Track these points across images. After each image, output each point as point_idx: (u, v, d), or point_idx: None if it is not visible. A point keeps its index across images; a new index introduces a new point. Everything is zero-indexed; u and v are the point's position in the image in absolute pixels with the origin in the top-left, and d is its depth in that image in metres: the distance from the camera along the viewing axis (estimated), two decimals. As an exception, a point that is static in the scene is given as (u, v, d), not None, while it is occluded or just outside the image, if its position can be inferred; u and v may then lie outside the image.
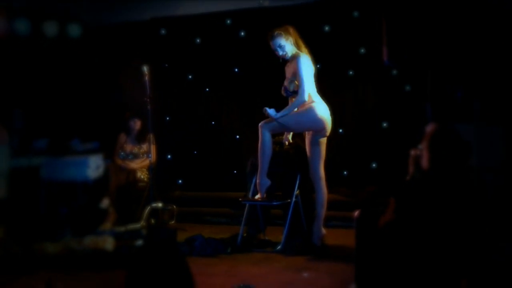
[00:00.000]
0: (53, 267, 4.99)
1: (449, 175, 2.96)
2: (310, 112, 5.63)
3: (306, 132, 5.82)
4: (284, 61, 5.83)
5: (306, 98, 5.56)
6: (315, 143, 5.73)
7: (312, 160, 5.76)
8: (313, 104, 5.63)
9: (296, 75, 5.62)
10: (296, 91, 5.62)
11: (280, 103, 5.87)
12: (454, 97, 4.23)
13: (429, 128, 3.05)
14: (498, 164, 3.92)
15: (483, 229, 2.89)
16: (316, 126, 5.67)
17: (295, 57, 5.67)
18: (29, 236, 5.39)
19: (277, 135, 6.04)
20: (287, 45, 5.70)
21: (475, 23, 4.11)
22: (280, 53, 5.73)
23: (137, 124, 7.41)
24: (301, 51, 5.70)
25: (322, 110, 5.66)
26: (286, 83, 5.76)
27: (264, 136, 5.65)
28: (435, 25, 4.20)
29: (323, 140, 5.75)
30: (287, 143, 6.04)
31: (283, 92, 5.79)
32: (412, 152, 3.14)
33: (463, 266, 2.86)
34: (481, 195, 2.96)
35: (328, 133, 5.74)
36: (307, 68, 5.62)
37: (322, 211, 5.74)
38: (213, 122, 8.30)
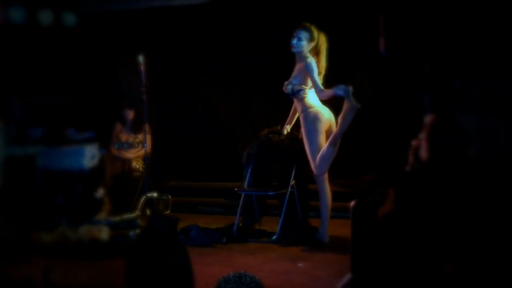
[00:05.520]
0: (49, 255, 5.00)
1: (449, 166, 2.96)
2: (315, 121, 5.60)
3: None
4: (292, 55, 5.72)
5: (322, 95, 5.52)
6: None
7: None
8: (317, 109, 5.61)
9: (308, 78, 5.55)
10: (294, 93, 5.59)
11: (276, 94, 5.84)
12: (453, 86, 4.22)
13: (429, 118, 3.04)
14: (498, 154, 3.92)
15: (484, 220, 2.89)
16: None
17: (303, 60, 5.57)
18: (25, 224, 5.38)
19: (274, 125, 6.04)
20: (304, 42, 5.58)
21: (473, 11, 4.10)
22: (293, 42, 5.59)
23: (130, 115, 7.40)
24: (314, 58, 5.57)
25: (327, 115, 5.67)
26: (287, 81, 5.70)
27: None
28: (433, 14, 4.19)
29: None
30: (285, 132, 6.01)
31: (284, 89, 5.74)
32: (413, 143, 3.14)
33: (462, 255, 2.87)
34: (481, 186, 2.95)
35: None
36: (315, 70, 5.52)
37: (327, 213, 5.65)
38: (209, 112, 8.28)
